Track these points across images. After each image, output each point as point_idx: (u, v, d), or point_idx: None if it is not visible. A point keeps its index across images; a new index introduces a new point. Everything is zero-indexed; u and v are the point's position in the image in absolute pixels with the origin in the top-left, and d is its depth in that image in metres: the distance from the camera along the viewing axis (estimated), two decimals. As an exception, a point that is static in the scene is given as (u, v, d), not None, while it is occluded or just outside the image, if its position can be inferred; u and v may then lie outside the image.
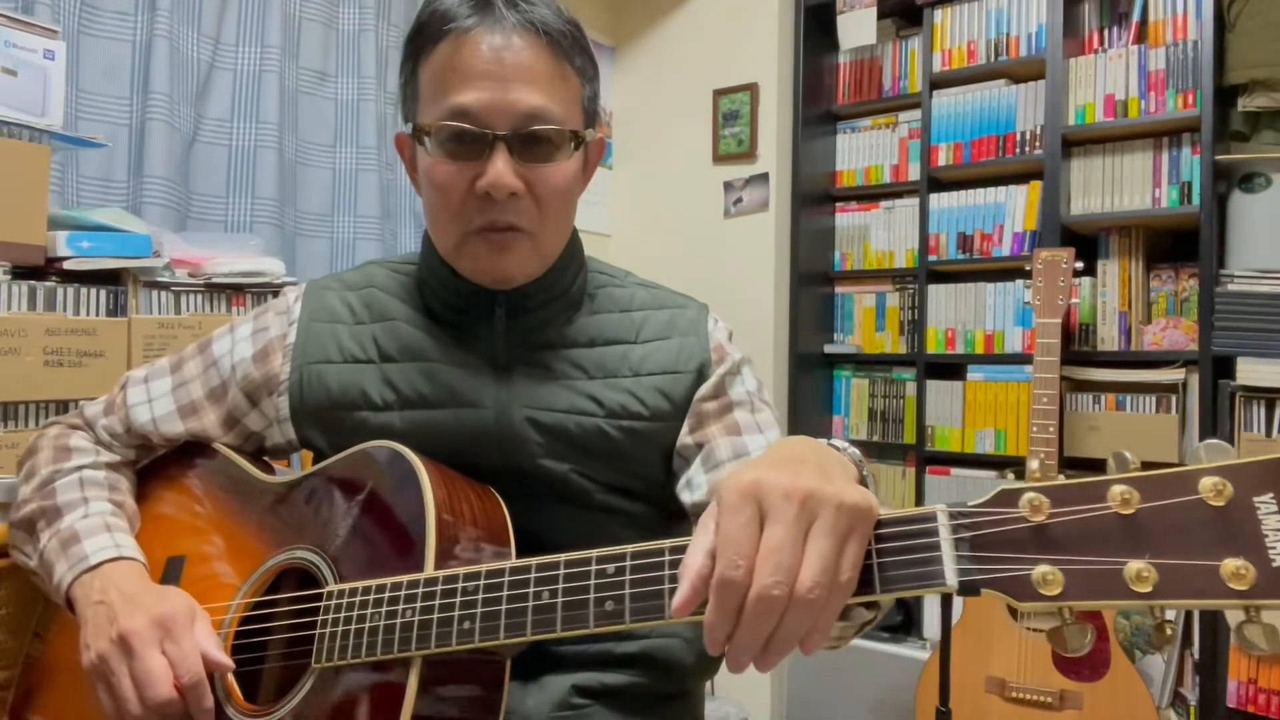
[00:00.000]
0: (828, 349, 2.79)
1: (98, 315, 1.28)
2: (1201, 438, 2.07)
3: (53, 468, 0.88)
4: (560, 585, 0.64)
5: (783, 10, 2.69)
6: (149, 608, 0.74)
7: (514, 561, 0.68)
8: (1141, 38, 2.31)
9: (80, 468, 0.89)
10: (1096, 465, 2.22)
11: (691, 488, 0.86)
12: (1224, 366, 2.05)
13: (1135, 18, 2.31)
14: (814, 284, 2.77)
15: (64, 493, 0.86)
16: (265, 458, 0.97)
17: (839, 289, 2.83)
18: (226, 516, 0.88)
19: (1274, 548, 0.45)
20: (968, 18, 2.51)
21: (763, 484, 0.52)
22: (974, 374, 2.49)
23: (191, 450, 0.94)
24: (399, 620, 0.69)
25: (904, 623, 2.51)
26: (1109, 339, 2.31)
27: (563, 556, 0.65)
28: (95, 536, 0.82)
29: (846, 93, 2.81)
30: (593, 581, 0.63)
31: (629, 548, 0.62)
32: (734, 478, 0.54)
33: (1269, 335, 1.95)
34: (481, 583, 0.67)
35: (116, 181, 1.76)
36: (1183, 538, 0.47)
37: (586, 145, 0.88)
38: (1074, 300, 2.14)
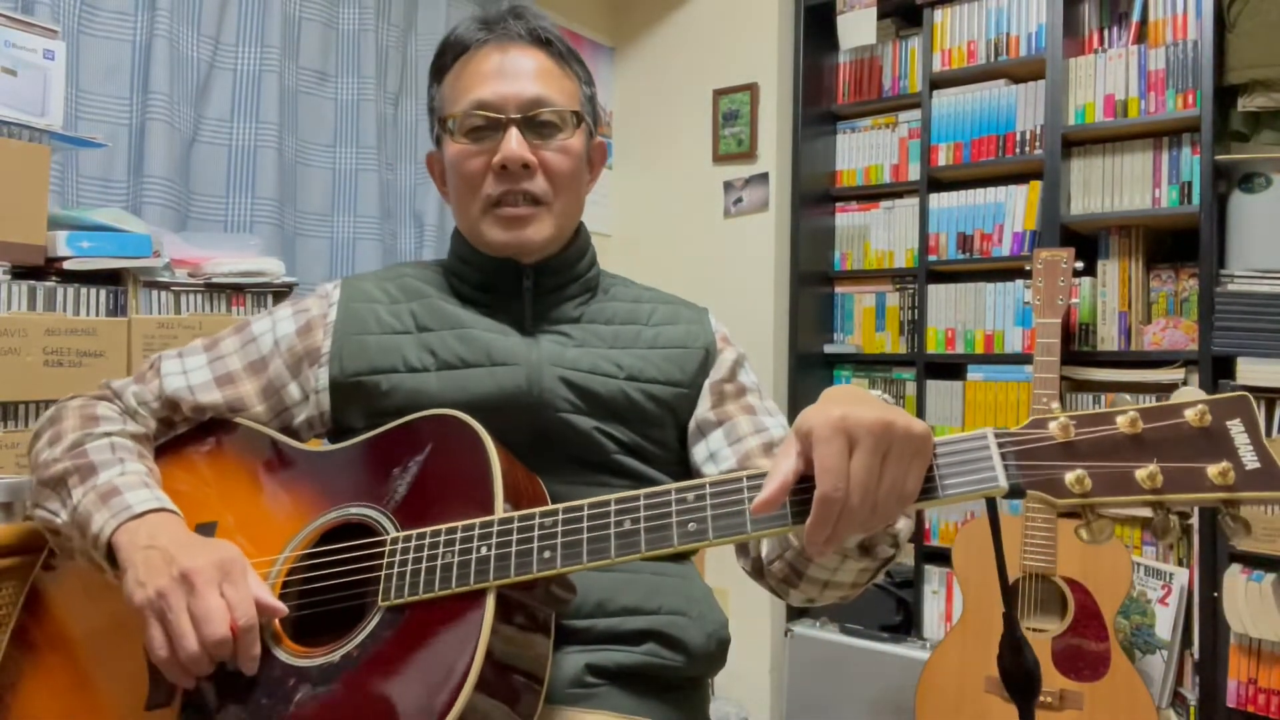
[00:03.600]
0: (828, 349, 2.79)
1: (98, 315, 1.28)
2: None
3: (82, 432, 0.90)
4: (642, 514, 0.71)
5: (783, 10, 2.69)
6: (208, 552, 0.77)
7: (591, 499, 0.73)
8: (1141, 38, 2.31)
9: (109, 434, 0.91)
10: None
11: (716, 460, 0.97)
12: (1224, 366, 2.05)
13: (1135, 18, 2.31)
14: (814, 284, 2.77)
15: (97, 453, 0.87)
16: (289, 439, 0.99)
17: (839, 289, 2.83)
18: (257, 485, 0.90)
19: (1245, 456, 0.60)
20: (968, 18, 2.51)
21: (850, 419, 0.63)
22: (974, 374, 2.48)
23: (212, 426, 0.96)
24: (474, 555, 0.72)
25: (904, 623, 2.51)
26: (1109, 339, 2.31)
27: (641, 490, 0.72)
28: (136, 490, 0.84)
29: (846, 93, 2.81)
30: (674, 508, 0.70)
31: (706, 479, 0.71)
32: (821, 413, 0.64)
33: (1269, 335, 1.95)
34: (560, 517, 0.73)
35: (116, 181, 1.76)
36: (1179, 448, 0.62)
37: (590, 134, 1.04)
38: (1074, 300, 2.14)
